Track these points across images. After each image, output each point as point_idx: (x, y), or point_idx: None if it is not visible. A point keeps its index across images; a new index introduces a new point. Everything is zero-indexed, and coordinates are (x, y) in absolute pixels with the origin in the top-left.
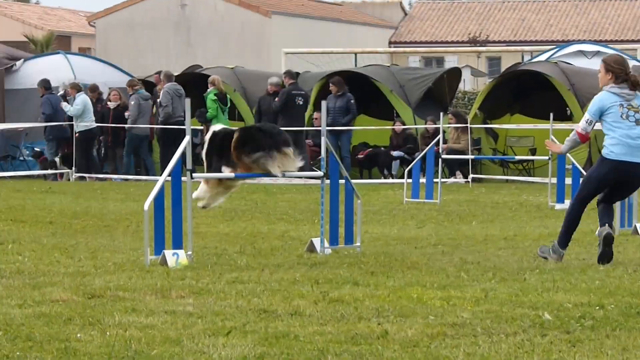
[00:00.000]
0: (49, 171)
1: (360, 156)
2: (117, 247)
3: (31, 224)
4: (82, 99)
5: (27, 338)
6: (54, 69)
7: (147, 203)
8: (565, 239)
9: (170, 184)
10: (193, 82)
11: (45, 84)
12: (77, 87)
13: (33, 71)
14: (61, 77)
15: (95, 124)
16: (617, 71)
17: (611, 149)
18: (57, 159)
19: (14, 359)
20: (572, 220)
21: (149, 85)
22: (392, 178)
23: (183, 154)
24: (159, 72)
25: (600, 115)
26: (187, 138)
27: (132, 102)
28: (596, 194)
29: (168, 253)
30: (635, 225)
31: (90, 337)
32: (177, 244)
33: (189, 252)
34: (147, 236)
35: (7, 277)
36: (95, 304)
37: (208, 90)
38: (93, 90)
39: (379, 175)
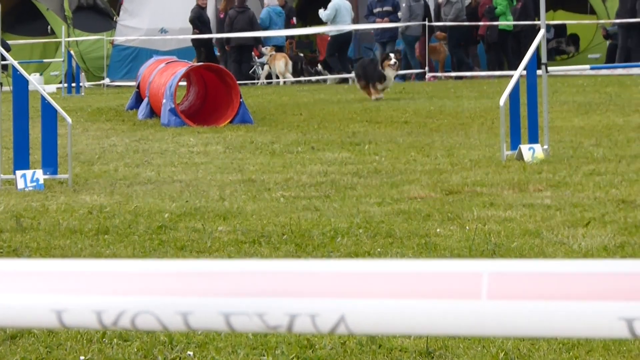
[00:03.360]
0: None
1: None
2: (473, 144)
3: (386, 125)
4: None
5: (387, 234)
6: None
7: (503, 99)
8: None
9: (525, 79)
10: None
11: None
12: None
13: None
14: None
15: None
16: None
17: None
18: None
19: (375, 255)
20: None
21: None
22: None
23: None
24: None
25: None
26: (542, 32)
27: (403, 4)
28: None
29: (524, 148)
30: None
31: (449, 232)
32: (533, 139)
33: (545, 146)
34: (503, 132)
35: (365, 177)
36: (453, 199)
37: None
38: None
39: None
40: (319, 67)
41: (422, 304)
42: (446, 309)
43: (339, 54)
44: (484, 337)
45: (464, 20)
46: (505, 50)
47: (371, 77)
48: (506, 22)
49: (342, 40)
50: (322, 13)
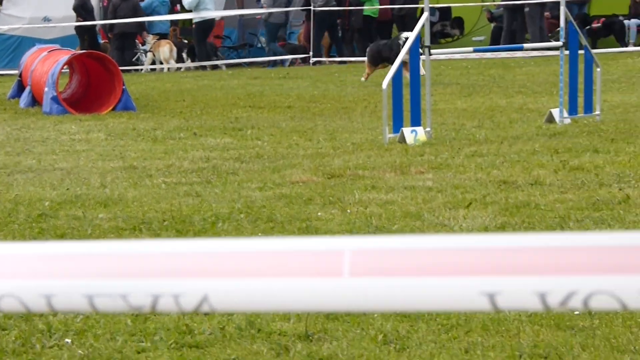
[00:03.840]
0: (289, 56)
1: (595, 25)
2: (356, 128)
3: (269, 110)
4: None
5: (269, 219)
6: None
7: (385, 82)
8: None
9: (409, 62)
10: None
11: None
12: None
13: None
14: None
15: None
16: None
17: None
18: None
19: None
20: None
21: None
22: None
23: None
24: None
25: None
26: (426, 15)
27: None
28: None
29: (406, 130)
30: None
31: (331, 216)
32: (416, 122)
33: (428, 129)
34: (386, 115)
35: (247, 162)
36: (335, 183)
37: None
38: None
39: (615, 44)
40: (184, 55)
41: (284, 281)
42: (308, 286)
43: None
44: (346, 313)
45: (334, 6)
46: (370, 36)
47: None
48: (371, 7)
49: (206, 27)
50: (185, 1)
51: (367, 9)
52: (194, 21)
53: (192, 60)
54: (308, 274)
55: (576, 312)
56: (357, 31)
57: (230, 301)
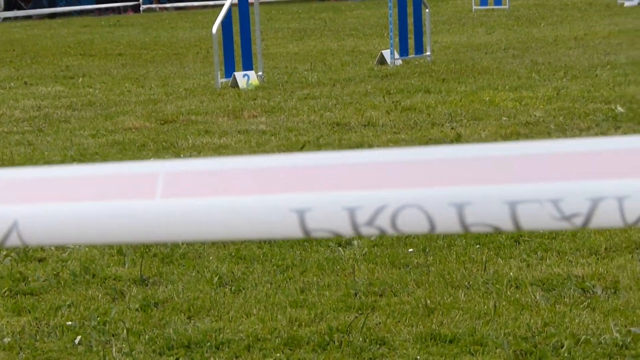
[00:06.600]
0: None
1: None
2: (188, 74)
3: (100, 57)
4: None
5: None
6: None
7: (215, 27)
8: None
9: (238, 7)
10: None
11: None
12: None
13: None
14: None
15: None
16: None
17: None
18: None
19: None
20: None
21: None
22: None
23: None
24: None
25: None
26: None
27: None
28: None
29: (238, 75)
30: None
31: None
32: (248, 66)
33: (260, 73)
34: (217, 60)
35: (79, 110)
36: (169, 129)
37: None
38: None
39: None
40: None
41: (96, 205)
42: (120, 211)
43: None
44: (160, 240)
45: None
46: None
47: None
48: None
49: None
50: None
51: None
52: None
53: None
54: (120, 197)
55: (410, 250)
56: None
57: (40, 225)
